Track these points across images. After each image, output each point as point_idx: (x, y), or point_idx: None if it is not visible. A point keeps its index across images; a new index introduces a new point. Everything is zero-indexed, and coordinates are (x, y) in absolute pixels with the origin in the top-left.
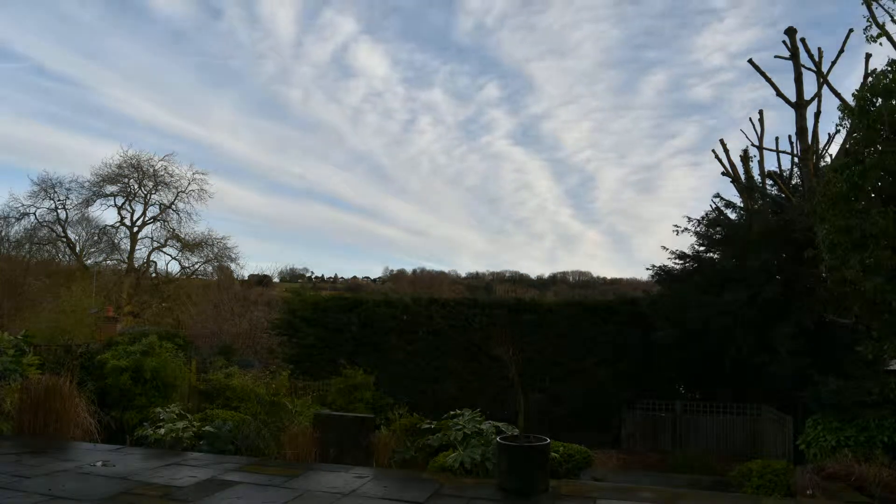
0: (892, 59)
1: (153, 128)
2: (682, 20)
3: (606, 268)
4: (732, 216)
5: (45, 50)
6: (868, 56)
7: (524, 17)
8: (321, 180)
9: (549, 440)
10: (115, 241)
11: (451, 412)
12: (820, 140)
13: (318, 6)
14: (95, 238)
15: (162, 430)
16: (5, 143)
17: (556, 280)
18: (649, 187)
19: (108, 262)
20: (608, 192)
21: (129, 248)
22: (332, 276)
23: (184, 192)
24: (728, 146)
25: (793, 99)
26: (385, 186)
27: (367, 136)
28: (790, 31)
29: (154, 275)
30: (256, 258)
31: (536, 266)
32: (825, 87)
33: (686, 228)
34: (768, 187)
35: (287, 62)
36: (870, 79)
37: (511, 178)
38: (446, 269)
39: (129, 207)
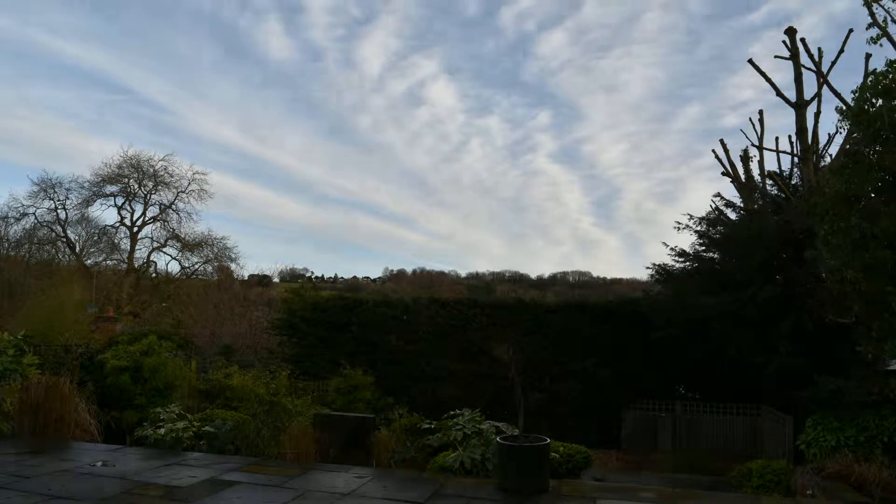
0: (892, 60)
1: (234, 151)
2: (723, 64)
3: (622, 272)
4: (732, 216)
5: (155, 84)
6: (868, 56)
7: (585, 61)
8: (365, 192)
9: (549, 440)
10: (115, 241)
11: (451, 412)
12: (820, 140)
13: (408, 51)
14: (95, 238)
15: (162, 430)
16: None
17: (557, 280)
18: (670, 198)
19: (108, 262)
20: (631, 203)
21: (129, 248)
22: (332, 276)
23: (184, 192)
24: (728, 146)
25: (793, 99)
26: (425, 197)
27: (419, 155)
28: (790, 31)
29: (154, 275)
30: (285, 261)
31: (551, 268)
32: (825, 87)
33: (687, 226)
34: (768, 187)
35: (365, 94)
36: (870, 79)
37: (543, 190)
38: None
39: (129, 207)
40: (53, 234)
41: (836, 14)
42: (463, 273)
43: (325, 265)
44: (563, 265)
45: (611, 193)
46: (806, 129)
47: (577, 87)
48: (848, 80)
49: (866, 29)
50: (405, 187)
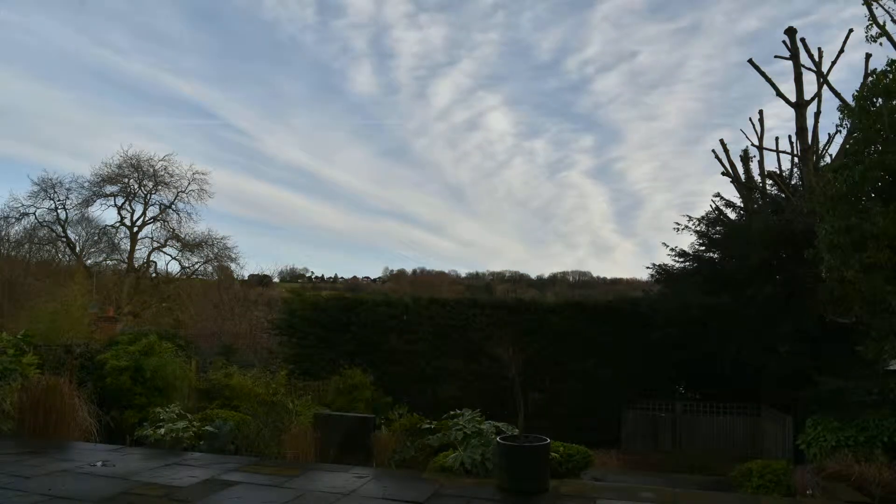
0: (892, 59)
1: (296, 168)
2: (754, 100)
3: (625, 272)
4: (732, 216)
5: (242, 112)
6: (868, 56)
7: (632, 96)
8: (404, 203)
9: (549, 440)
10: (115, 241)
11: (451, 412)
12: (820, 140)
13: (477, 87)
14: (95, 238)
15: (162, 430)
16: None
17: (556, 280)
18: (690, 208)
19: (108, 262)
20: (652, 212)
21: (129, 248)
22: (332, 276)
23: (184, 191)
24: (728, 146)
25: (793, 99)
26: (460, 208)
27: (463, 171)
28: (790, 31)
29: (154, 275)
30: (285, 260)
31: (560, 269)
32: (825, 87)
33: (687, 226)
34: (768, 187)
35: (428, 121)
36: (870, 78)
37: (571, 201)
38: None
39: (129, 207)
40: (53, 234)
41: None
42: (463, 273)
43: (325, 265)
44: (577, 266)
45: (634, 204)
46: (806, 129)
47: (622, 117)
48: (847, 79)
49: (865, 30)
50: (443, 199)
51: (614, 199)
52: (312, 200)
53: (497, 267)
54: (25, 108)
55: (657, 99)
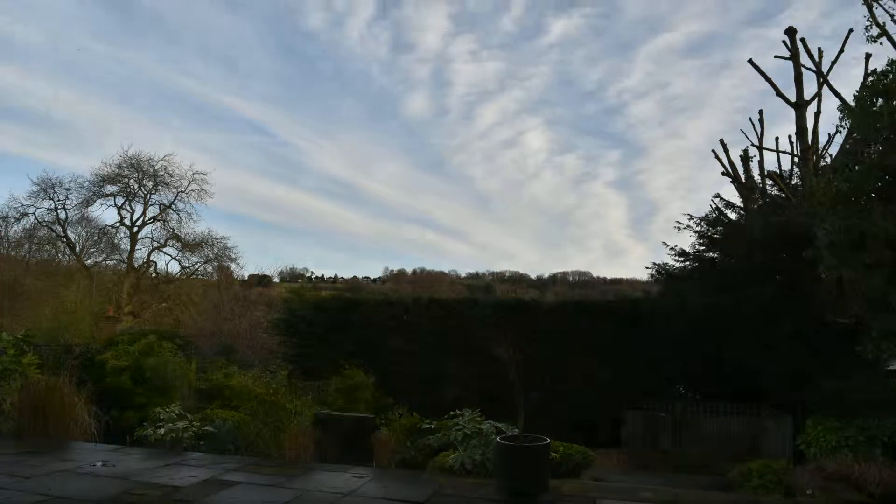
0: (892, 59)
1: (336, 180)
2: (772, 119)
3: (625, 272)
4: (732, 216)
5: (297, 131)
6: (868, 56)
7: (662, 119)
8: (429, 209)
9: (549, 440)
10: (115, 241)
11: (451, 412)
12: (820, 140)
13: (521, 111)
14: (95, 238)
15: (162, 430)
16: (246, 194)
17: (556, 280)
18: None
19: (108, 262)
20: (665, 219)
21: (128, 248)
22: (332, 276)
23: (184, 192)
24: (728, 146)
25: (793, 99)
26: (483, 214)
27: (492, 182)
28: (790, 31)
29: (154, 275)
30: (286, 260)
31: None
32: (825, 87)
33: (688, 226)
34: (768, 187)
35: (470, 139)
36: (870, 78)
37: (591, 209)
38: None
39: (128, 207)
40: (53, 233)
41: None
42: (463, 273)
43: (325, 265)
44: (587, 268)
45: (651, 211)
46: (806, 129)
47: (648, 136)
48: (848, 79)
49: (865, 30)
50: (469, 207)
51: (632, 207)
52: (343, 208)
53: (510, 268)
54: (95, 124)
55: (684, 121)
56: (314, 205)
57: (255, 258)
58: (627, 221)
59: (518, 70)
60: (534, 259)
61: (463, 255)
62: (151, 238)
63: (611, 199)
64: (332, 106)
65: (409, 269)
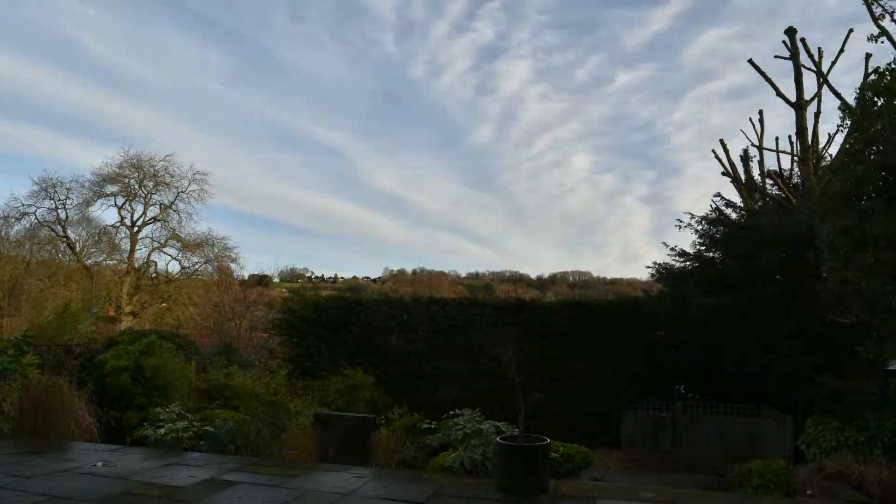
0: (893, 59)
1: (388, 195)
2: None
3: (624, 272)
4: (733, 216)
5: (363, 152)
6: (868, 56)
7: (698, 144)
8: (468, 220)
9: (549, 440)
10: (116, 241)
11: (451, 412)
12: (820, 140)
13: (573, 139)
14: (96, 238)
15: (162, 430)
16: (313, 211)
17: (556, 280)
18: None
19: (109, 262)
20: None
21: (129, 248)
22: (332, 276)
23: (184, 192)
24: (728, 146)
25: (793, 99)
26: (517, 224)
27: (531, 196)
28: (790, 31)
29: (154, 275)
30: (286, 261)
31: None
32: (825, 87)
33: (689, 224)
34: (768, 187)
35: (520, 160)
36: (871, 77)
37: (618, 219)
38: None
39: (129, 207)
40: (54, 233)
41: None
42: (463, 273)
43: (325, 265)
44: (604, 271)
45: (673, 220)
46: (806, 129)
47: (683, 158)
48: (848, 80)
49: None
50: (504, 217)
51: (656, 217)
52: (386, 218)
53: (528, 268)
54: (188, 150)
55: (717, 145)
56: (358, 214)
57: (292, 262)
58: (649, 230)
59: (579, 108)
60: (555, 263)
61: (489, 260)
62: (152, 238)
63: (638, 210)
64: (405, 136)
65: (409, 269)
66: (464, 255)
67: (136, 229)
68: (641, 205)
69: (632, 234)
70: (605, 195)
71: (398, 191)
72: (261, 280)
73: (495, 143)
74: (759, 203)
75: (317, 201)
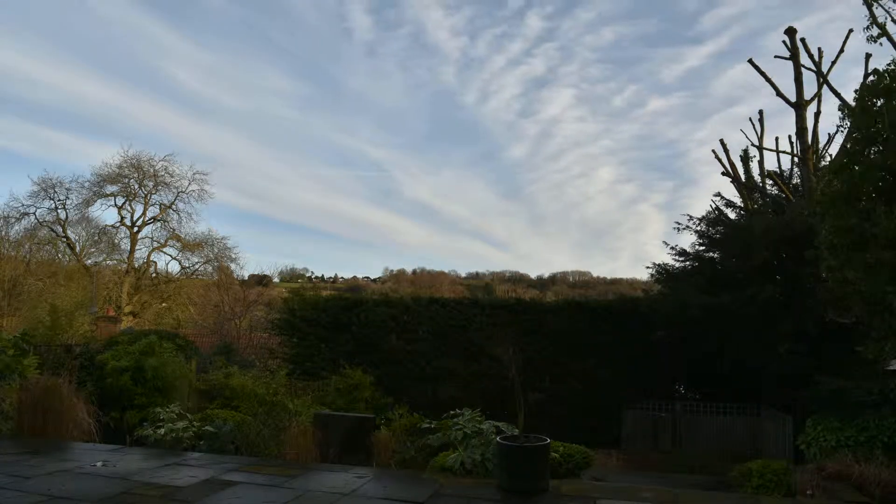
0: (893, 59)
1: (420, 204)
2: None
3: (624, 272)
4: (732, 216)
5: (404, 166)
6: (868, 56)
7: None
8: (485, 224)
9: (549, 440)
10: (116, 241)
11: (451, 412)
12: (820, 140)
13: (603, 154)
14: (95, 238)
15: (162, 430)
16: (359, 222)
17: (556, 280)
18: None
19: (108, 262)
20: None
21: (129, 248)
22: (332, 276)
23: (184, 192)
24: (728, 146)
25: (793, 99)
26: (534, 230)
27: (552, 205)
28: (790, 31)
29: (154, 275)
30: (286, 261)
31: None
32: (825, 87)
33: (687, 226)
34: (768, 187)
35: (548, 173)
36: (870, 78)
37: (632, 224)
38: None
39: (129, 207)
40: (54, 234)
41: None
42: (463, 273)
43: (325, 265)
44: (614, 273)
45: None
46: (806, 129)
47: (703, 171)
48: (848, 79)
49: (865, 29)
50: (524, 223)
51: (669, 223)
52: (413, 224)
53: (534, 272)
54: (245, 163)
55: (736, 159)
56: (388, 221)
57: (326, 266)
58: (662, 234)
59: (611, 129)
60: (567, 265)
61: (503, 262)
62: (151, 238)
63: (653, 217)
64: (448, 153)
65: (409, 269)
66: (480, 259)
67: (135, 229)
68: (657, 211)
69: (643, 238)
70: (623, 203)
71: (430, 200)
72: (261, 280)
73: (528, 157)
74: (759, 203)
75: (353, 210)
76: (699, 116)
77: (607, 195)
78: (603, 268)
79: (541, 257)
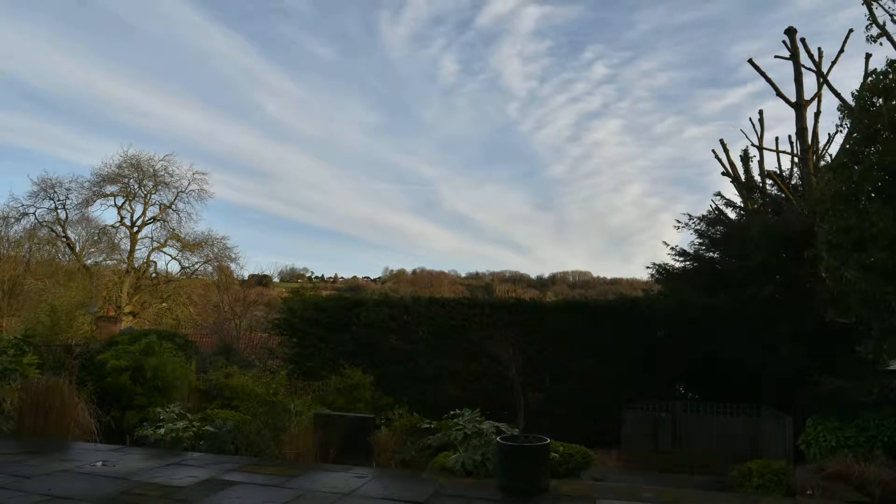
0: (892, 59)
1: (456, 214)
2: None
3: (623, 272)
4: (732, 216)
5: (450, 181)
6: (868, 56)
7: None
8: (512, 232)
9: (549, 440)
10: (115, 241)
11: (451, 412)
12: (820, 140)
13: (637, 173)
14: (95, 238)
15: (162, 430)
16: (392, 230)
17: (556, 280)
18: None
19: (108, 262)
20: None
21: (129, 248)
22: (332, 276)
23: (184, 192)
24: (728, 146)
25: (793, 99)
26: (556, 237)
27: (578, 214)
28: (790, 31)
29: (154, 275)
30: (286, 261)
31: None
32: (825, 87)
33: (687, 225)
34: (768, 187)
35: (581, 187)
36: (870, 78)
37: (653, 233)
38: (446, 270)
39: (129, 207)
40: (53, 233)
41: None
42: (463, 273)
43: (325, 265)
44: (624, 273)
45: None
46: (806, 129)
47: (725, 182)
48: (848, 79)
49: (865, 29)
50: (548, 230)
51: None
52: (442, 230)
53: (534, 272)
54: (301, 177)
55: (756, 174)
56: (421, 228)
57: (356, 268)
58: (680, 241)
59: (648, 152)
60: (582, 268)
61: (519, 264)
62: (151, 238)
63: (673, 225)
64: (496, 172)
65: (409, 269)
66: (480, 259)
67: (135, 229)
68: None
69: (661, 245)
70: (646, 213)
71: (467, 210)
72: (260, 280)
73: (566, 175)
74: (759, 203)
75: (393, 218)
76: (730, 141)
77: (634, 208)
78: (619, 271)
79: (557, 260)
